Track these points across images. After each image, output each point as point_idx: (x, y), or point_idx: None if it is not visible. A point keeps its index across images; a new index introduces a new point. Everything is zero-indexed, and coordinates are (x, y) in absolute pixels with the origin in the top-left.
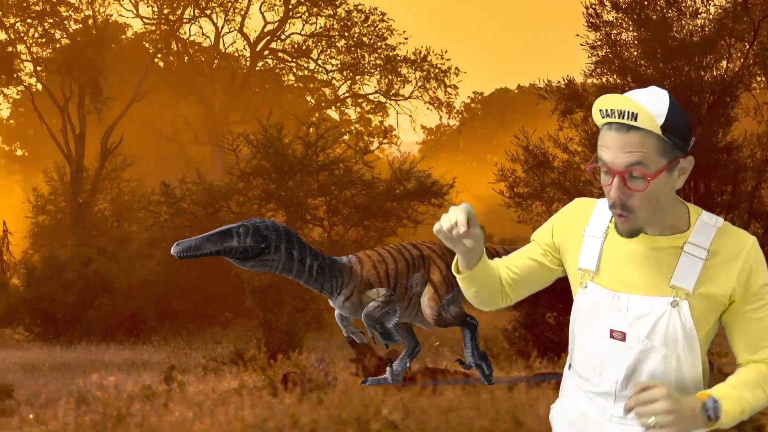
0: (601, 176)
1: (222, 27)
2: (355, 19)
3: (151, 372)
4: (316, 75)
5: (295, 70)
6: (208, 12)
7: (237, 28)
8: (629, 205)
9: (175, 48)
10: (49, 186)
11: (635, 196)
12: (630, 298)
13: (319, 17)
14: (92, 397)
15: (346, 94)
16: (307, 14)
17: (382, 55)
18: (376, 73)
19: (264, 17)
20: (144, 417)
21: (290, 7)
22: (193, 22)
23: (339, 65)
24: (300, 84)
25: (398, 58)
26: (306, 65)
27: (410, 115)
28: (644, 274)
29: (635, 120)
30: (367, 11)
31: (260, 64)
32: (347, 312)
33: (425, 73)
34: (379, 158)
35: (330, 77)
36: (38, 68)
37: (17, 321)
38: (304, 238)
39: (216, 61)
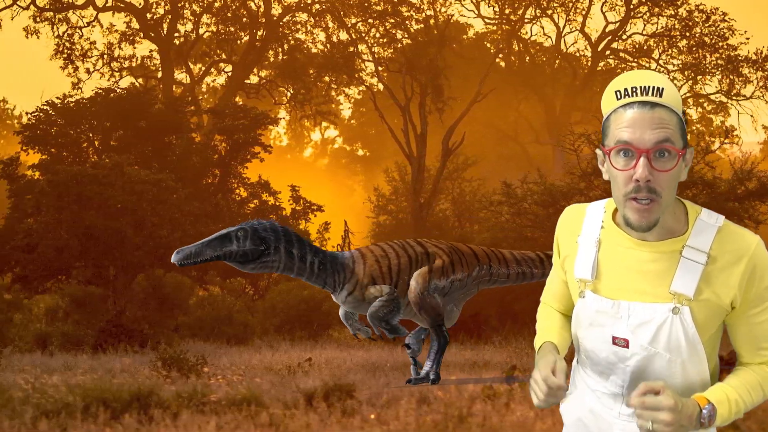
0: (618, 160)
1: (563, 27)
2: (696, 19)
3: (492, 372)
4: None
5: (636, 70)
6: (549, 12)
7: (578, 28)
8: (656, 188)
9: (517, 48)
10: (390, 186)
11: (663, 176)
12: (630, 305)
13: (660, 17)
14: (433, 397)
15: (688, 94)
16: (648, 14)
17: (723, 55)
18: (717, 73)
19: (605, 17)
20: (485, 417)
21: (631, 7)
22: (534, 22)
23: (680, 65)
24: None
25: (739, 58)
26: (647, 65)
27: (751, 115)
28: (643, 280)
29: (661, 95)
30: (708, 11)
31: (601, 64)
32: (350, 306)
33: (767, 73)
34: (720, 158)
35: (671, 77)
36: (379, 68)
37: None
38: None
39: (557, 61)
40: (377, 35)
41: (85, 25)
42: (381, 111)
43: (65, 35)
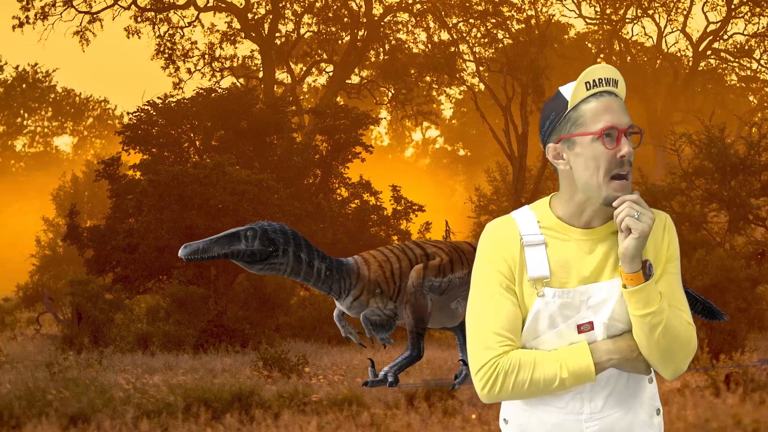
0: (606, 143)
1: (664, 27)
2: None
3: None
4: (758, 75)
5: (737, 70)
6: (650, 12)
7: (679, 28)
8: (632, 162)
9: (618, 48)
10: (492, 186)
11: (632, 154)
12: (588, 288)
13: (761, 17)
14: None
15: None
16: (749, 14)
17: None
18: None
19: (706, 17)
20: None
21: (732, 7)
22: (635, 22)
23: None
24: (742, 84)
25: None
26: (748, 65)
27: None
28: (595, 263)
29: (617, 86)
30: None
31: (702, 64)
32: (354, 312)
33: None
34: None
35: None
36: (480, 68)
37: None
38: (744, 238)
39: (658, 62)
40: (478, 35)
41: (186, 25)
42: (482, 111)
43: (166, 35)
